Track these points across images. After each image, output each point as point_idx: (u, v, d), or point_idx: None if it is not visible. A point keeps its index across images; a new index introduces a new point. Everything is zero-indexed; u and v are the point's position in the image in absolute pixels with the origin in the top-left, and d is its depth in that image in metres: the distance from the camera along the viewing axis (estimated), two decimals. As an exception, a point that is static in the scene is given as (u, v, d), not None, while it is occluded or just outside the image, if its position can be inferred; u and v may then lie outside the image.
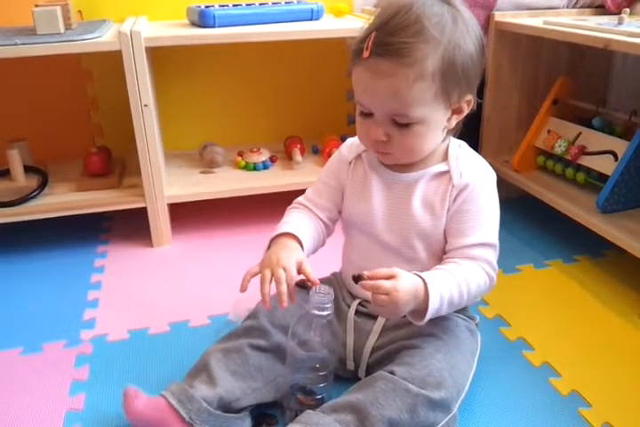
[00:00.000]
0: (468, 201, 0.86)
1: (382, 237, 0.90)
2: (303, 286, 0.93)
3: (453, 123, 0.86)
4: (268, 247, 0.89)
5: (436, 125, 0.83)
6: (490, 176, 0.90)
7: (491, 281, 0.87)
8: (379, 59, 0.77)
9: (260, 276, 0.83)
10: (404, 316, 0.82)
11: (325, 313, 0.83)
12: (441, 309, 0.81)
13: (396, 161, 0.88)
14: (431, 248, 0.90)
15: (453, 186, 0.87)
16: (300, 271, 0.84)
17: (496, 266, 0.87)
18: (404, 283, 0.78)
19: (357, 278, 0.79)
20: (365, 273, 0.79)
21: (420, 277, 0.80)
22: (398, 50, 0.76)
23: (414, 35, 0.76)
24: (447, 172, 0.88)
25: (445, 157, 0.89)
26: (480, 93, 1.54)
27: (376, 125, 0.82)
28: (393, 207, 0.90)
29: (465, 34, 0.80)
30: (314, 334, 0.84)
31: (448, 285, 0.82)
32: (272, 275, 0.82)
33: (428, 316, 0.80)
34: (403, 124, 0.81)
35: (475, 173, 0.87)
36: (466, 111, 0.85)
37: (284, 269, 0.82)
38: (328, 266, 1.04)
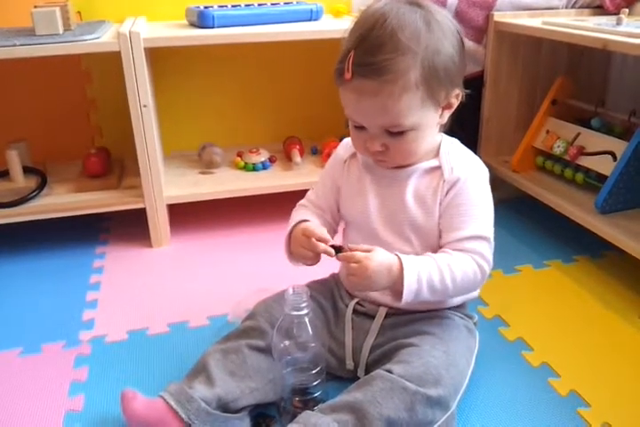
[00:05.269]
0: (460, 195, 0.87)
1: (378, 233, 0.91)
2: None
3: (446, 117, 0.87)
4: (288, 242, 0.91)
5: (429, 126, 0.85)
6: (481, 171, 0.90)
7: (482, 272, 0.86)
8: (361, 79, 0.78)
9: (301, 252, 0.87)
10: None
11: (303, 312, 0.84)
12: (421, 290, 0.82)
13: (395, 165, 0.89)
14: (427, 243, 0.90)
15: (444, 180, 0.87)
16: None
17: (489, 259, 0.87)
18: (378, 255, 0.81)
19: (337, 250, 0.81)
20: (350, 245, 0.82)
21: (397, 255, 0.82)
22: (379, 69, 0.77)
23: (392, 50, 0.77)
24: (439, 167, 0.89)
25: (437, 153, 0.90)
26: (479, 94, 1.55)
27: (371, 138, 0.84)
28: (387, 203, 0.91)
29: (441, 37, 0.80)
30: (297, 334, 0.84)
31: (427, 267, 0.82)
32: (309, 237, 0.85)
33: (406, 294, 0.81)
34: (397, 133, 0.83)
35: (466, 168, 0.88)
36: (456, 104, 0.86)
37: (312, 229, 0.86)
38: (328, 267, 1.04)
